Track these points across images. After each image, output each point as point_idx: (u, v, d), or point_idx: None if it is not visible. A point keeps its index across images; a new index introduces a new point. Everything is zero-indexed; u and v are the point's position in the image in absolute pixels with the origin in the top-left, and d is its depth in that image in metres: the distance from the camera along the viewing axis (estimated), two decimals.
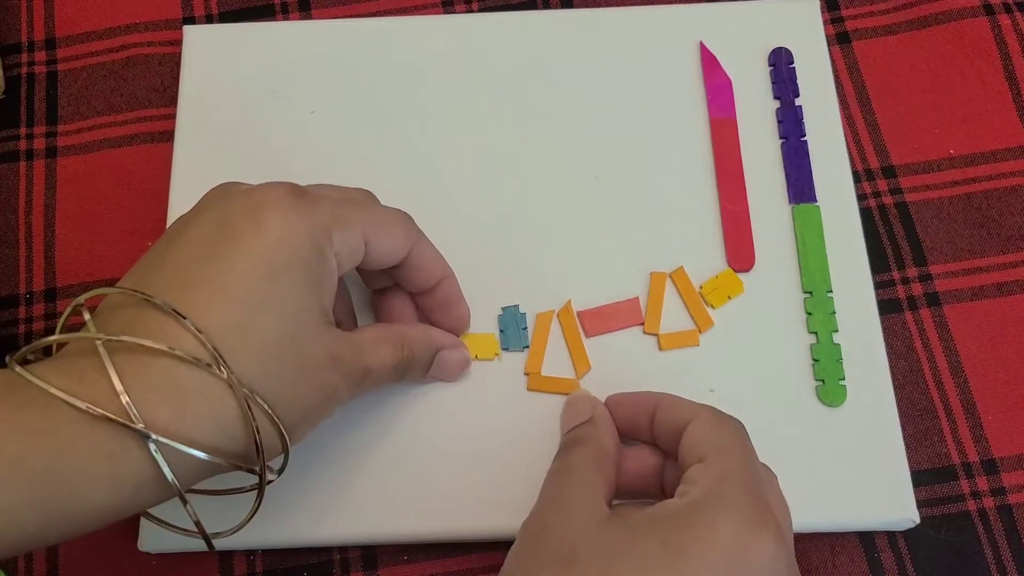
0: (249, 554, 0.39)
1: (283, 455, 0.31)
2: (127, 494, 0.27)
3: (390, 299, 0.38)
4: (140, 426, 0.26)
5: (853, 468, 0.38)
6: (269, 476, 0.30)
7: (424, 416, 0.39)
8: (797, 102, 0.44)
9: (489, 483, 0.38)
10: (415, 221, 0.36)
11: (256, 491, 0.31)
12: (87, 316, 0.29)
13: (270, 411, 0.29)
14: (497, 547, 0.38)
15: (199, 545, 0.37)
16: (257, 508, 0.31)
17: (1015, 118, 0.46)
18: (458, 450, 0.38)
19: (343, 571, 0.39)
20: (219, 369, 0.28)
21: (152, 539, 0.37)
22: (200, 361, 0.27)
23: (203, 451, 0.27)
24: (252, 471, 0.30)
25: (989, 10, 0.47)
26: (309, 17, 0.48)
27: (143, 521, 0.38)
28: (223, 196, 0.31)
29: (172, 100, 0.45)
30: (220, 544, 0.37)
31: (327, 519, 0.38)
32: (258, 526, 0.37)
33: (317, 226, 0.31)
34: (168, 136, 0.45)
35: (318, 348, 0.31)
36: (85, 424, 0.26)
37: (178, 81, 0.44)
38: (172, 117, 0.44)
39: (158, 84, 0.47)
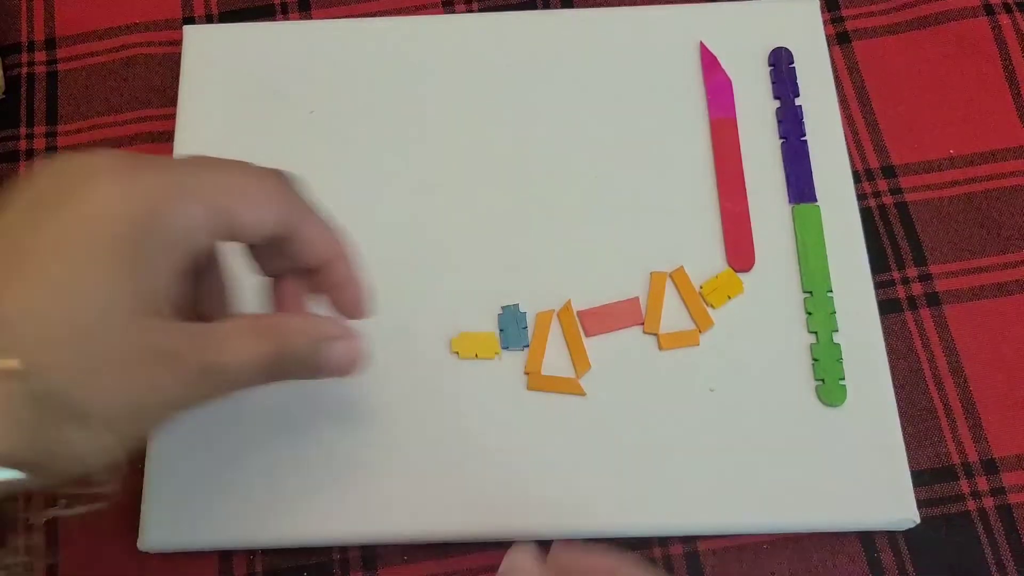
0: (249, 554, 0.39)
1: (113, 464, 0.26)
2: None
3: (281, 286, 0.33)
4: None
5: (853, 468, 0.38)
6: (102, 488, 0.26)
7: (424, 416, 0.39)
8: (797, 102, 0.44)
9: (489, 483, 0.38)
10: (302, 187, 0.31)
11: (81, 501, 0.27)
12: None
13: (73, 400, 0.24)
14: (497, 547, 0.38)
15: (198, 544, 0.38)
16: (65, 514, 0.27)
17: (1015, 118, 0.46)
18: (458, 450, 0.38)
19: (343, 571, 0.39)
20: (13, 362, 0.24)
21: (152, 539, 0.37)
22: None
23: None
24: (59, 483, 0.26)
25: (989, 10, 0.47)
26: (309, 17, 0.48)
27: (143, 521, 0.38)
28: (50, 163, 0.27)
29: (172, 100, 0.45)
30: (220, 544, 0.38)
31: (327, 519, 0.38)
32: (258, 526, 0.37)
33: (148, 199, 0.26)
34: (168, 136, 0.45)
35: (138, 339, 0.26)
36: None
37: (178, 81, 0.44)
38: (172, 117, 0.44)
39: (158, 84, 0.47)
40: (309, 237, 0.31)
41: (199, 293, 0.31)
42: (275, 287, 0.34)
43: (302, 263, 0.32)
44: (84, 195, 0.26)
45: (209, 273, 0.32)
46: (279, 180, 0.31)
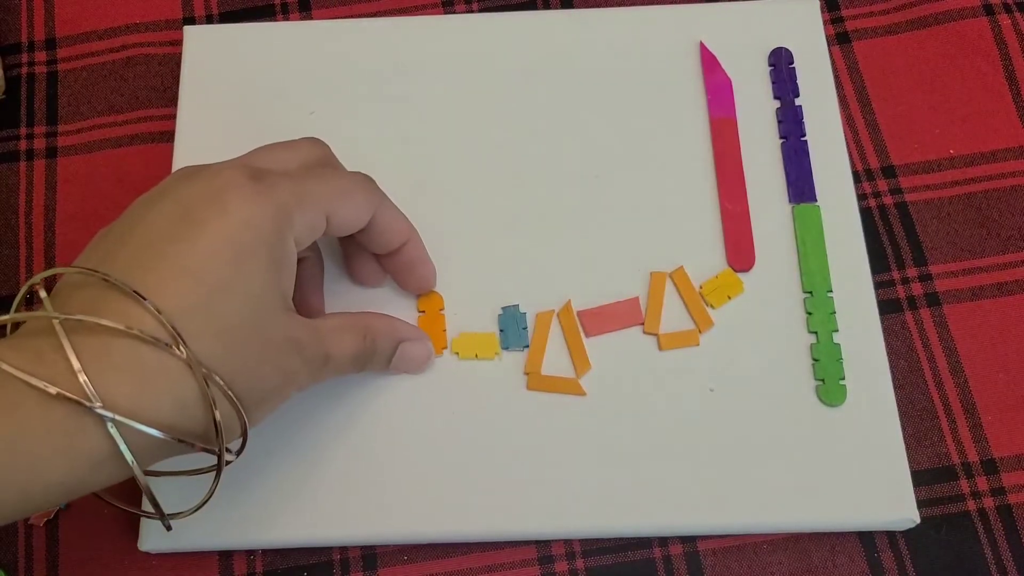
0: (249, 554, 0.39)
1: (241, 437, 0.31)
2: (84, 472, 0.27)
3: (357, 261, 0.39)
4: (98, 405, 0.26)
5: (853, 468, 0.38)
6: (228, 457, 0.31)
7: (424, 416, 0.39)
8: (797, 102, 0.44)
9: (489, 483, 0.38)
10: (377, 184, 0.36)
11: (215, 472, 0.31)
12: (43, 294, 0.29)
13: (229, 392, 0.29)
14: (497, 547, 0.38)
15: (198, 544, 0.38)
16: (215, 488, 0.31)
17: (1015, 118, 0.46)
18: (458, 450, 0.38)
19: (343, 571, 0.39)
20: (179, 349, 0.28)
21: (152, 539, 0.37)
22: (160, 341, 0.27)
23: (161, 430, 0.28)
24: (211, 451, 0.30)
25: (989, 10, 0.47)
26: (309, 17, 0.48)
27: (143, 521, 0.38)
28: (185, 179, 0.31)
29: (172, 100, 0.45)
30: (220, 544, 0.38)
31: (327, 519, 0.38)
32: (258, 526, 0.37)
33: (279, 209, 0.31)
34: (168, 136, 0.45)
35: (279, 331, 0.31)
36: (43, 403, 0.26)
37: (178, 81, 0.44)
38: (172, 117, 0.44)
39: (158, 84, 0.47)
40: (385, 226, 0.36)
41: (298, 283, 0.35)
42: (352, 261, 0.40)
43: (380, 248, 0.37)
44: (229, 208, 0.30)
45: (304, 263, 0.38)
46: (365, 180, 0.36)
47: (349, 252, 0.40)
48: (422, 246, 0.39)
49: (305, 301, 0.38)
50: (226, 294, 0.29)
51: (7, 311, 0.43)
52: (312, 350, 0.32)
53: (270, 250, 0.30)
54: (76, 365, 0.26)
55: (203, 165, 0.32)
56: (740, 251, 0.41)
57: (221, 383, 0.29)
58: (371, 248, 0.38)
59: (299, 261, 0.37)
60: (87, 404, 0.26)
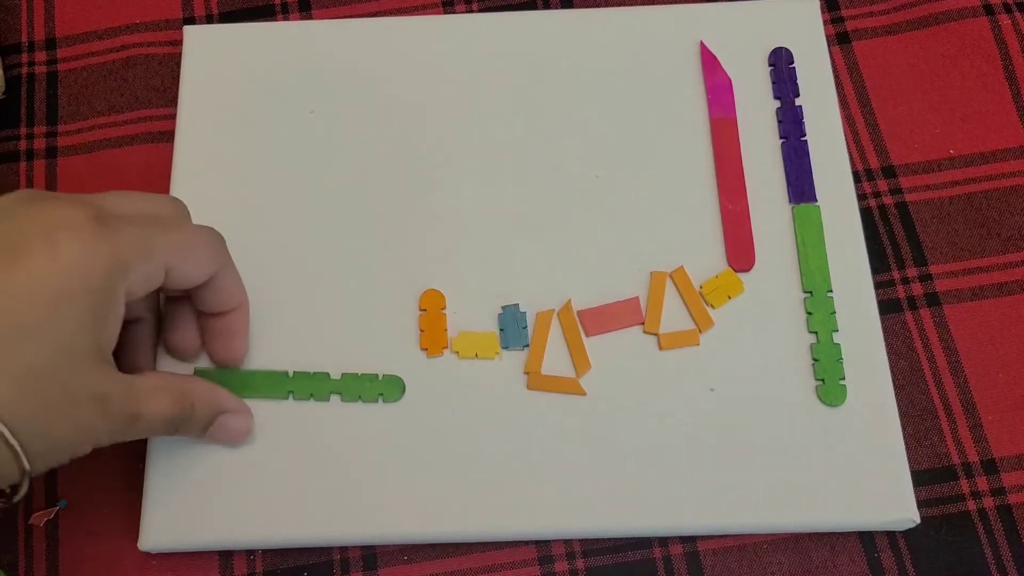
0: (249, 554, 0.39)
1: (23, 481, 0.29)
2: None
3: (177, 311, 0.38)
4: None
5: (853, 468, 0.38)
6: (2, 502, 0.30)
7: (424, 416, 0.39)
8: (797, 102, 0.44)
9: (489, 483, 0.38)
10: (226, 242, 0.35)
11: None
12: None
13: (10, 438, 0.28)
14: (497, 547, 0.38)
15: (198, 544, 0.38)
16: None
17: (1015, 118, 0.46)
18: (458, 450, 0.38)
19: (343, 571, 0.39)
20: None
21: (152, 539, 0.37)
22: None
23: None
24: None
25: (989, 10, 0.47)
26: (309, 17, 0.48)
27: (143, 521, 0.38)
28: (25, 204, 0.30)
29: (172, 100, 0.45)
30: (220, 544, 0.38)
31: (327, 519, 0.38)
32: (258, 526, 0.37)
33: (116, 258, 0.29)
34: (168, 136, 0.45)
35: (85, 385, 0.29)
36: None
37: (178, 81, 0.44)
38: (172, 117, 0.44)
39: (158, 84, 0.47)
40: (223, 287, 0.36)
41: (126, 340, 0.35)
42: (171, 310, 0.38)
43: (207, 307, 0.36)
44: (60, 250, 0.28)
45: (139, 323, 0.37)
46: (214, 236, 0.35)
47: (173, 314, 0.38)
48: (247, 319, 0.38)
49: (134, 362, 0.37)
50: (32, 337, 0.28)
51: None
52: (119, 407, 0.31)
53: (94, 298, 0.29)
54: None
55: (50, 194, 0.31)
56: (740, 251, 0.41)
57: (3, 428, 0.27)
58: (199, 304, 0.36)
59: (133, 322, 0.36)
60: None
